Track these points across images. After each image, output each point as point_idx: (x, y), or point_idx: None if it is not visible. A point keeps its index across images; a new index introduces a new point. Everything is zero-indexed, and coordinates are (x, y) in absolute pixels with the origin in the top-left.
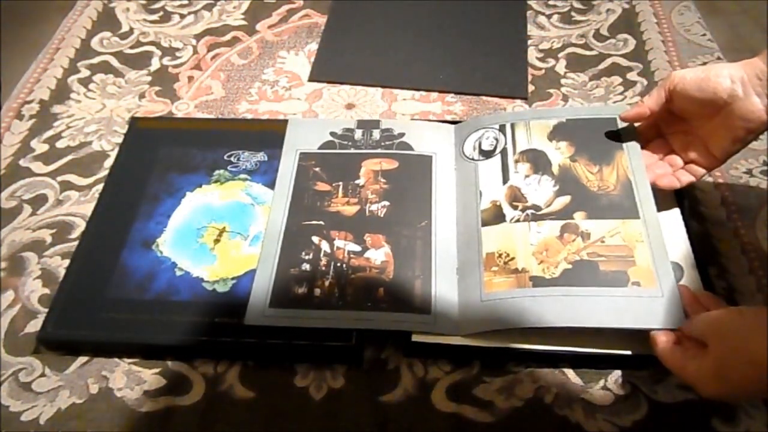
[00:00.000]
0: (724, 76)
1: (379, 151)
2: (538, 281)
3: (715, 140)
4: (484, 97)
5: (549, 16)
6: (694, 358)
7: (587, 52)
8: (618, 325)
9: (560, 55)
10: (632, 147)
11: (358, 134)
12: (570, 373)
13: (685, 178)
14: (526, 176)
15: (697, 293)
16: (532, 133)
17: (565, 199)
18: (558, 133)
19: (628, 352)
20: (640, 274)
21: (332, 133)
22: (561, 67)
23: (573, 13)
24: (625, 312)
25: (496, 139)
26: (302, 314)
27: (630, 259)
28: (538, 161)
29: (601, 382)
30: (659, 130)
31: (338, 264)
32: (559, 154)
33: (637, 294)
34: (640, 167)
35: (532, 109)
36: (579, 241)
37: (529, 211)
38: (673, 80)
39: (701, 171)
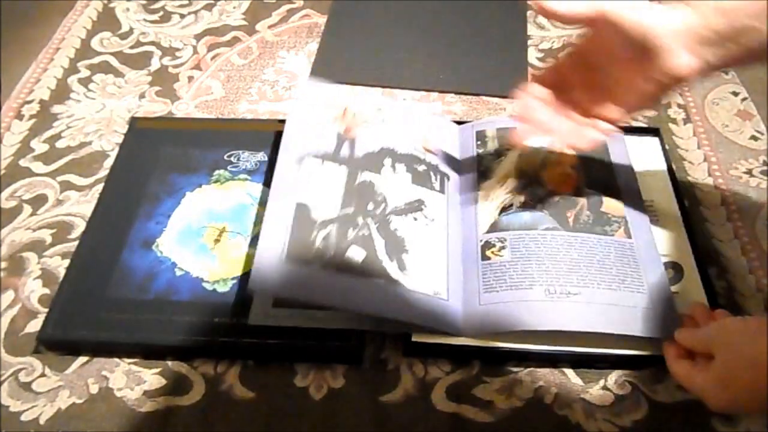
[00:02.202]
0: (662, 25)
1: None
2: None
3: (625, 92)
4: (484, 97)
5: None
6: (701, 371)
7: None
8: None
9: (560, 55)
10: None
11: None
12: (570, 373)
13: (593, 135)
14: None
15: (711, 311)
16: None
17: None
18: None
19: (628, 352)
20: None
21: None
22: None
23: None
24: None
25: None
26: (306, 314)
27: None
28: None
29: (601, 382)
30: (563, 80)
31: None
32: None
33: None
34: None
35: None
36: None
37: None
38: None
39: (609, 127)
